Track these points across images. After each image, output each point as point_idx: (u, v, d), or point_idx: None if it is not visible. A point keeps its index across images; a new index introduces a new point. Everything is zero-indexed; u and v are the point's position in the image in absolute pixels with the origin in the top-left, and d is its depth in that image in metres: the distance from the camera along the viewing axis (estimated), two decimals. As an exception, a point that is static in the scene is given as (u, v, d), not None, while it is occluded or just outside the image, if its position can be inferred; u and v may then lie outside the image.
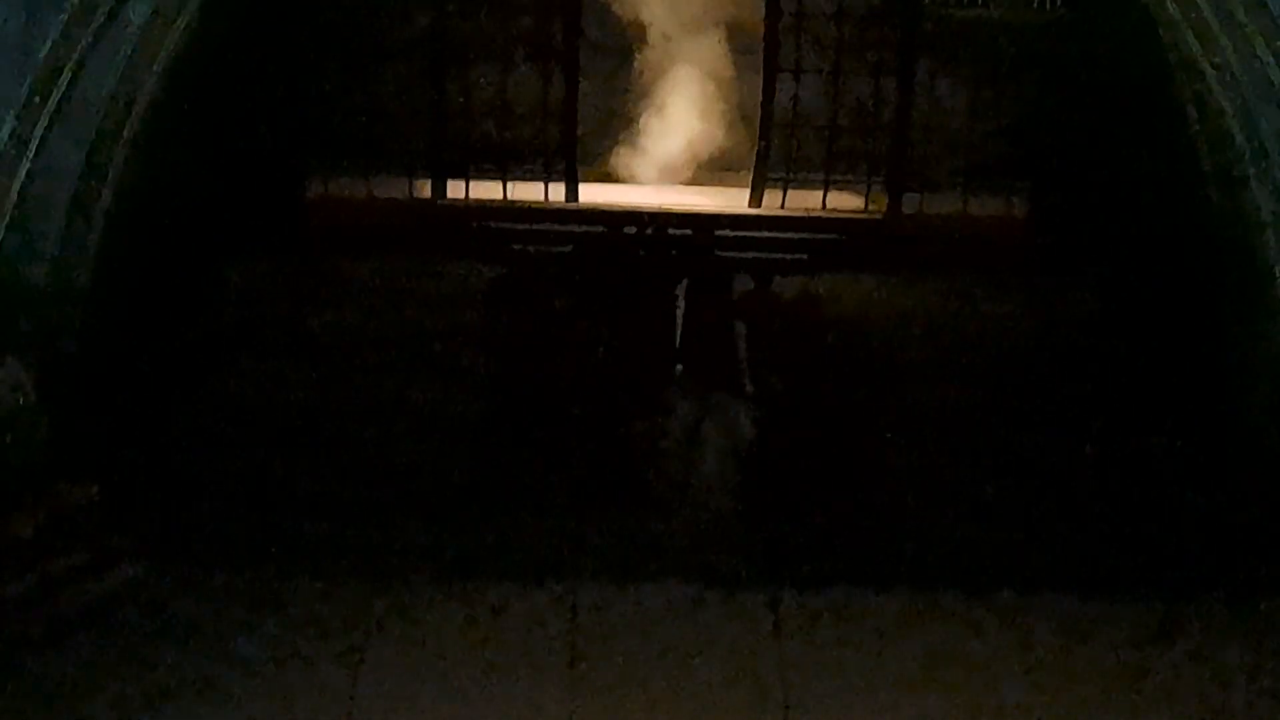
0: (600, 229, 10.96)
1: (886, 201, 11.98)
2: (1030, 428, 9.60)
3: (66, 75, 7.71)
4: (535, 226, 11.50)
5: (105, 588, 7.49)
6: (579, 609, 7.60)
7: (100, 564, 7.57)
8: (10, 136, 7.54)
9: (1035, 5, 11.75)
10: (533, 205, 11.93)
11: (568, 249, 10.47)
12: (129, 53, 8.15)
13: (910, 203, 11.92)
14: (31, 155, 7.70)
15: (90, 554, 7.57)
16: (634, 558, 8.11)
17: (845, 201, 12.03)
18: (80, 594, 7.40)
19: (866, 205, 12.01)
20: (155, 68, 8.66)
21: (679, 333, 9.68)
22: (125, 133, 8.52)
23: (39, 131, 7.63)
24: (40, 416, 7.86)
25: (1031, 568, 8.19)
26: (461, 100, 11.92)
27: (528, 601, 7.64)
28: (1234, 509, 8.66)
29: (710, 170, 12.94)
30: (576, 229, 11.18)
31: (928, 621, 7.71)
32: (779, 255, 11.01)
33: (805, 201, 12.04)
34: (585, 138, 12.32)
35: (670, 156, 12.94)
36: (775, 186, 12.05)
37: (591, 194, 12.24)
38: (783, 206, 12.02)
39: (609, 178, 12.82)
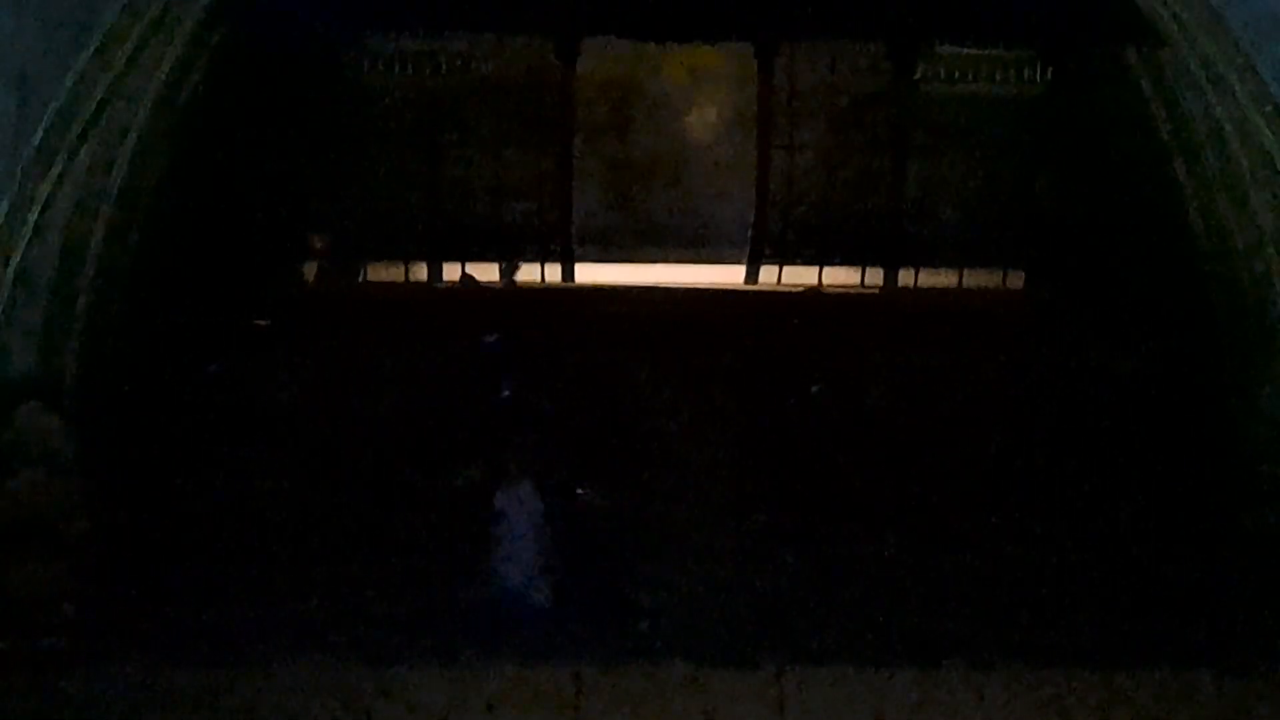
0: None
1: (882, 276, 12.02)
2: (1030, 500, 9.54)
3: (59, 164, 7.69)
4: (531, 307, 11.52)
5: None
6: (583, 686, 7.51)
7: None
8: (5, 223, 7.50)
9: (1025, 79, 11.84)
10: (528, 286, 11.96)
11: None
12: (121, 140, 8.17)
13: (906, 277, 11.95)
14: (23, 244, 7.67)
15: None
16: (636, 633, 8.04)
17: (841, 276, 12.05)
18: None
19: (863, 280, 12.02)
20: (153, 155, 8.68)
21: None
22: (112, 219, 8.49)
23: (31, 218, 7.59)
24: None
25: (1036, 640, 8.10)
26: (456, 183, 11.97)
27: (530, 680, 7.55)
28: (1234, 580, 8.61)
29: (707, 247, 12.96)
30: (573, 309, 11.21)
31: (931, 695, 7.61)
32: (776, 331, 11.04)
33: (801, 277, 12.06)
34: (580, 217, 12.35)
35: (667, 233, 12.95)
36: (771, 262, 12.09)
37: (588, 274, 12.28)
38: (779, 282, 12.05)
39: (605, 257, 12.84)
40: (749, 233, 12.19)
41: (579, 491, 9.10)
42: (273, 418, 10.12)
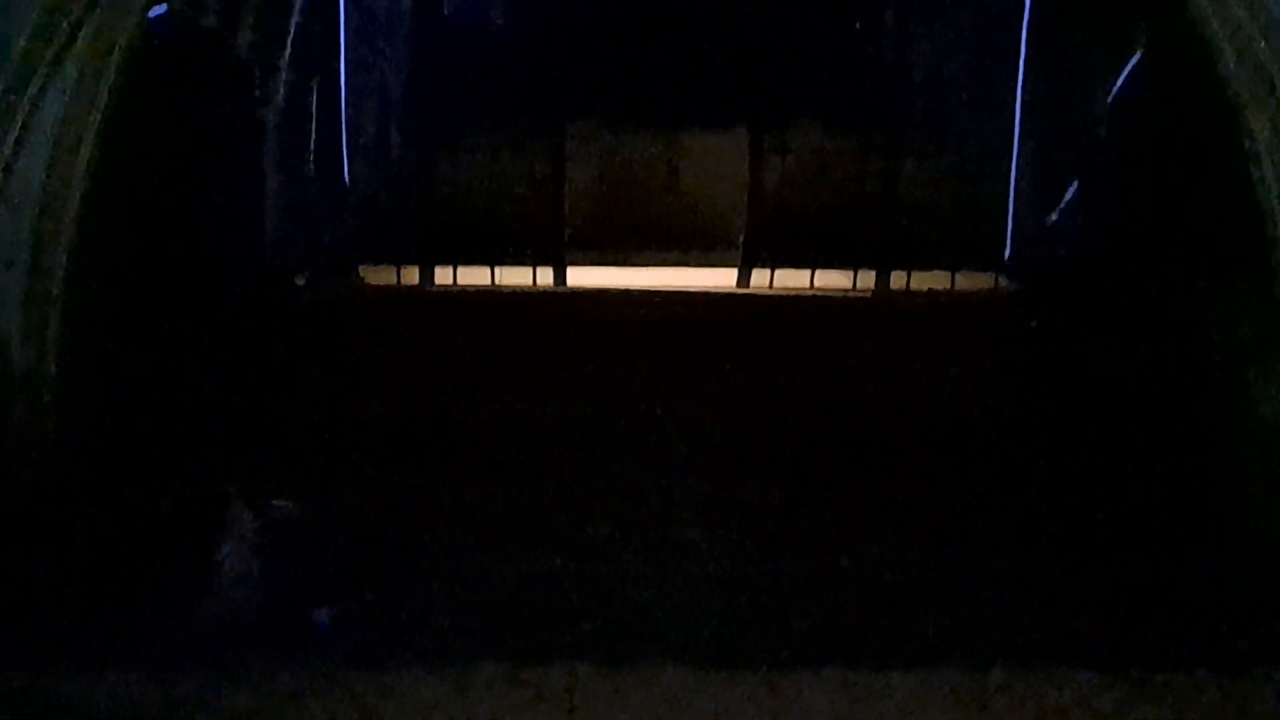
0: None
1: (874, 279, 12.04)
2: (1027, 500, 9.55)
3: (8, 150, 7.48)
4: (522, 311, 11.53)
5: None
6: (576, 689, 7.48)
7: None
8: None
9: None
10: (520, 290, 11.95)
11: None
12: (109, 54, 7.96)
13: (898, 280, 11.98)
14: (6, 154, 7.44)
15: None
16: (632, 636, 8.01)
17: (833, 280, 12.07)
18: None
19: (855, 283, 12.05)
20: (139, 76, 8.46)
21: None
22: (79, 216, 8.29)
23: (14, 131, 7.34)
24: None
25: (1036, 640, 8.10)
26: (448, 185, 11.95)
27: (524, 681, 7.52)
28: (1234, 580, 8.61)
29: (699, 250, 12.95)
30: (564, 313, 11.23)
31: (929, 700, 7.59)
32: (768, 334, 11.06)
33: (793, 280, 12.08)
34: (572, 219, 12.34)
35: (659, 237, 12.94)
36: (763, 266, 12.10)
37: (580, 277, 12.26)
38: (771, 286, 12.06)
39: (598, 260, 12.83)
40: (741, 235, 12.21)
41: (275, 503, 9.00)
42: (267, 418, 10.10)
